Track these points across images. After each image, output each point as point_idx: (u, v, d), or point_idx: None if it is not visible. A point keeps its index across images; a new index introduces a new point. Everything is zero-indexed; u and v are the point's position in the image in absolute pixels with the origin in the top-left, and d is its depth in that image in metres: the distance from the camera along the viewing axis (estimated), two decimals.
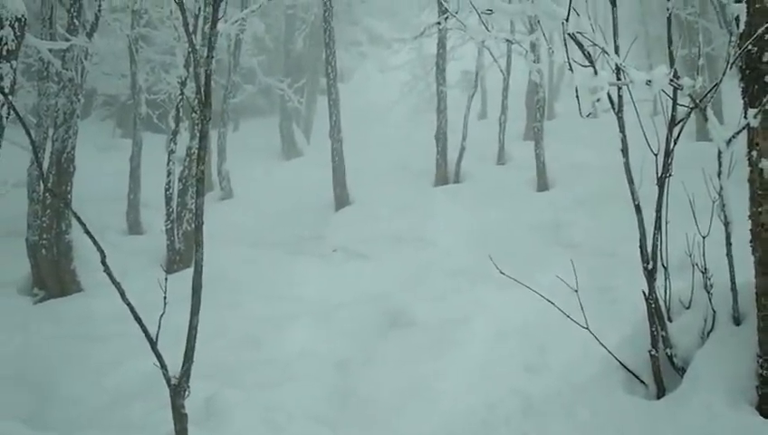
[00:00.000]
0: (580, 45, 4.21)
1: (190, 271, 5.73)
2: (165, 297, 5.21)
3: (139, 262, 13.61)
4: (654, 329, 5.52)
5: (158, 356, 5.20)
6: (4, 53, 6.29)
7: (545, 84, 22.65)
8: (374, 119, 30.26)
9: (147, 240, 16.15)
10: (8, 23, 6.32)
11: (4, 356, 9.70)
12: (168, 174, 14.42)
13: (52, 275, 12.70)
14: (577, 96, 3.66)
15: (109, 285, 5.35)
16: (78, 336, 10.29)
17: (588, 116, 3.68)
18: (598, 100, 3.66)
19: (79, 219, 5.25)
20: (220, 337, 9.45)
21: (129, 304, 5.18)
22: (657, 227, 5.39)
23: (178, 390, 5.29)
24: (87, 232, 5.17)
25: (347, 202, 17.70)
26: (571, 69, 3.77)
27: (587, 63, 4.09)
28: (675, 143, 5.13)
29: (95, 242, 5.20)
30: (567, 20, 3.88)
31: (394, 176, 20.22)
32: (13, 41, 6.36)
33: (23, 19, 6.47)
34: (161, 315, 5.15)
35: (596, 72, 3.77)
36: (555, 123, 25.15)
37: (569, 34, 3.92)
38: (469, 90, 21.50)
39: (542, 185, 17.92)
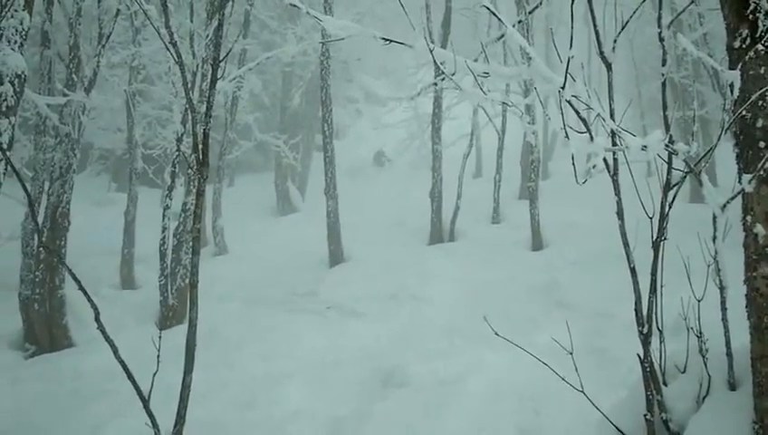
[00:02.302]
0: (577, 112, 4.25)
1: (183, 327, 5.70)
2: (158, 356, 5.18)
3: (132, 317, 13.56)
4: (649, 393, 5.48)
5: (151, 415, 5.15)
6: (4, 108, 6.32)
7: (540, 144, 22.82)
8: (368, 175, 30.39)
9: (140, 295, 16.09)
10: (8, 79, 6.36)
11: None
12: (163, 229, 14.41)
13: (45, 331, 12.63)
14: (573, 163, 3.68)
15: (101, 341, 5.32)
16: (69, 393, 10.21)
17: (584, 183, 3.69)
18: (594, 167, 3.69)
19: (74, 276, 5.23)
20: (214, 396, 9.37)
21: (122, 362, 5.14)
22: (653, 290, 5.38)
23: None
24: (81, 288, 5.15)
25: (341, 259, 17.71)
26: (567, 136, 3.79)
27: (583, 128, 4.12)
28: (670, 207, 5.15)
29: (89, 299, 5.18)
30: (563, 87, 3.92)
31: (389, 233, 20.28)
32: (12, 97, 6.40)
33: (23, 75, 6.51)
34: (154, 374, 5.12)
35: (592, 138, 3.80)
36: (550, 183, 25.30)
37: (566, 101, 3.96)
38: (464, 149, 21.65)
39: (537, 244, 17.95)
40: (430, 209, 19.73)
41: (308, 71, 27.73)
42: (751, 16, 4.54)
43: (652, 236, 5.26)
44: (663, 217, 5.12)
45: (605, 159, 4.52)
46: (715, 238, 5.14)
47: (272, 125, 29.56)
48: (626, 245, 5.29)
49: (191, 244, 5.61)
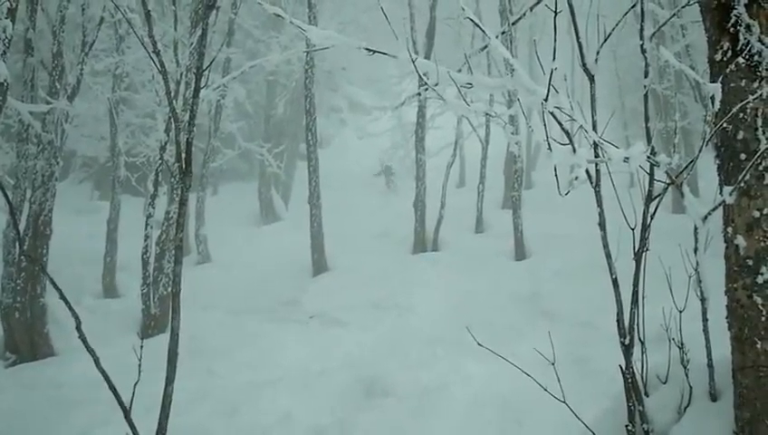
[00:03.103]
0: (560, 123, 4.26)
1: (165, 336, 5.67)
2: (140, 365, 5.15)
3: (114, 326, 13.50)
4: (631, 404, 5.49)
5: (132, 426, 5.11)
6: None
7: (523, 154, 22.88)
8: (352, 185, 30.41)
9: (122, 304, 16.02)
10: None
11: None
12: (146, 238, 14.35)
13: (26, 339, 12.54)
14: (555, 174, 3.70)
15: (82, 350, 5.28)
16: (50, 402, 10.15)
17: (566, 194, 3.70)
18: (576, 178, 3.70)
19: (55, 285, 5.20)
20: (196, 404, 9.34)
21: (103, 372, 5.11)
22: (635, 301, 5.40)
23: None
24: (63, 298, 5.12)
25: (325, 268, 17.69)
26: (549, 148, 3.81)
27: (566, 139, 4.14)
28: (651, 218, 5.17)
29: (70, 308, 5.14)
30: (546, 99, 3.93)
31: (372, 242, 20.29)
32: None
33: (5, 83, 6.49)
34: (135, 384, 5.09)
35: (575, 150, 3.81)
36: (533, 193, 25.39)
37: (549, 113, 3.97)
38: (448, 158, 21.70)
39: (520, 254, 18.01)
40: (414, 219, 19.74)
41: (292, 80, 27.72)
42: (732, 29, 4.58)
43: (634, 247, 5.29)
44: (645, 228, 5.15)
45: (587, 171, 4.54)
46: (696, 249, 5.17)
47: (256, 134, 29.55)
48: (608, 256, 5.31)
49: (174, 253, 5.59)
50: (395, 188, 30.61)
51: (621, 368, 5.49)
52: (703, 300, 5.33)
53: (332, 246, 18.00)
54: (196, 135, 5.49)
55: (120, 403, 5.12)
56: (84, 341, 5.09)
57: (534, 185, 28.96)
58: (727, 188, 4.63)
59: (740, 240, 4.67)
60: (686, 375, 5.55)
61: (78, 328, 5.10)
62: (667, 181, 4.95)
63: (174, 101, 6.08)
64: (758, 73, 4.54)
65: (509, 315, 13.11)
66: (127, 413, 5.12)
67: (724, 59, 4.63)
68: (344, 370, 10.79)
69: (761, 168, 4.54)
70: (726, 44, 4.59)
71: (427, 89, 4.45)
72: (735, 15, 4.55)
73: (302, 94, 19.87)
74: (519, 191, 18.79)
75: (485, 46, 8.63)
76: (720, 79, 4.63)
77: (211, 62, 5.46)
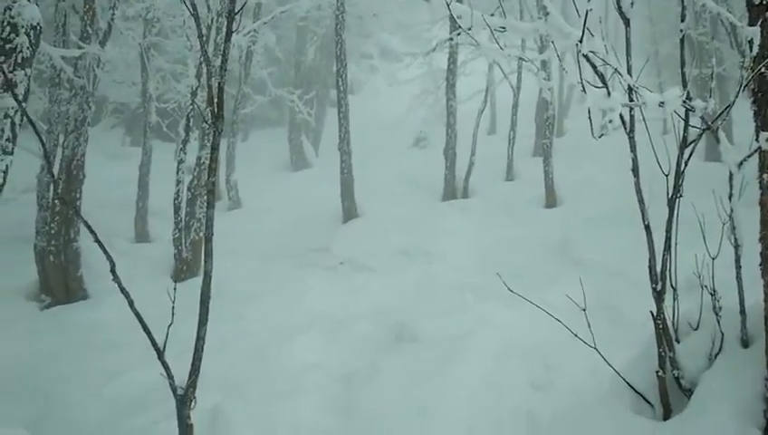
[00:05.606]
0: (594, 66, 4.21)
1: (197, 280, 5.72)
2: (173, 307, 5.21)
3: (146, 270, 13.62)
4: (661, 350, 5.50)
5: (166, 366, 5.19)
6: (20, 60, 6.32)
7: (555, 101, 22.63)
8: (383, 131, 30.32)
9: (154, 248, 16.16)
10: (24, 30, 6.34)
11: (9, 363, 9.69)
12: (178, 183, 14.43)
13: (60, 282, 12.72)
14: (589, 117, 3.67)
15: (115, 293, 5.35)
16: (83, 344, 10.31)
17: (600, 137, 3.67)
18: (610, 121, 3.66)
19: (89, 227, 5.26)
20: (226, 349, 9.44)
21: (137, 314, 5.18)
22: (667, 247, 5.37)
23: (185, 400, 5.27)
24: (97, 241, 5.18)
25: (355, 215, 17.69)
26: (584, 90, 3.77)
27: (599, 84, 4.10)
28: (686, 164, 5.13)
29: (105, 251, 5.20)
30: (581, 41, 3.88)
31: (402, 190, 20.25)
32: (28, 48, 6.38)
33: (38, 27, 6.49)
34: (169, 325, 5.15)
35: (609, 93, 3.77)
36: (564, 140, 25.13)
37: (583, 55, 3.92)
38: (479, 105, 21.53)
39: (551, 202, 17.91)
40: (444, 166, 19.66)
41: (322, 26, 27.54)
42: None
43: (667, 194, 5.25)
44: (679, 175, 5.11)
45: (621, 117, 4.49)
46: (731, 196, 5.13)
47: (286, 80, 29.41)
48: (641, 202, 5.28)
49: (206, 197, 5.62)
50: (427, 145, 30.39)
51: (652, 314, 5.49)
52: (736, 247, 5.30)
53: (362, 193, 17.98)
54: (227, 81, 5.46)
55: (154, 344, 5.20)
56: (119, 283, 5.15)
57: (566, 132, 28.65)
58: (764, 134, 4.58)
59: None
60: (718, 322, 5.54)
61: (112, 271, 5.17)
62: (703, 127, 4.90)
63: (205, 46, 6.06)
64: None
65: (539, 263, 13.08)
66: (161, 354, 5.19)
67: (764, 2, 4.54)
68: (373, 316, 10.84)
69: None
70: None
71: (460, 33, 4.40)
72: None
73: (333, 40, 19.76)
74: (550, 138, 18.62)
75: None
76: (759, 22, 4.55)
77: (243, 6, 5.43)
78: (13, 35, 6.32)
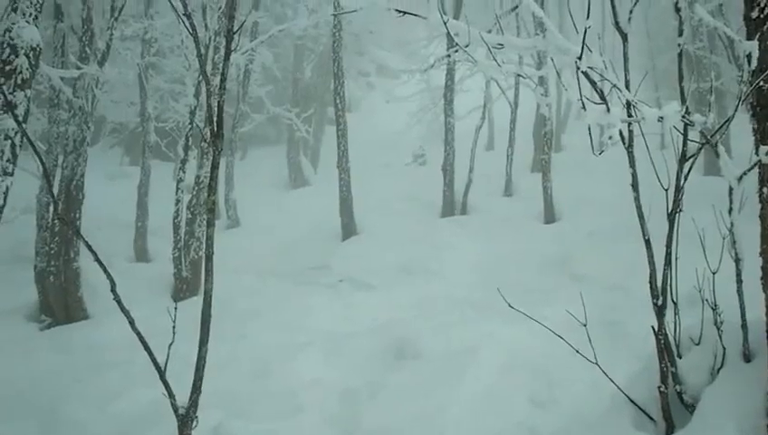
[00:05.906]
0: (593, 82, 4.23)
1: (197, 299, 5.71)
2: (174, 326, 5.20)
3: (146, 290, 13.63)
4: (663, 365, 5.49)
5: (167, 385, 5.17)
6: (19, 81, 6.34)
7: (553, 117, 22.69)
8: (381, 148, 30.37)
9: (154, 268, 16.17)
10: (23, 52, 6.37)
11: (11, 382, 9.66)
12: (177, 202, 14.46)
13: (60, 302, 12.72)
14: (589, 133, 3.68)
15: (115, 313, 5.34)
16: (84, 364, 10.28)
17: (600, 154, 3.68)
18: (610, 137, 3.67)
19: (90, 248, 5.25)
20: (228, 367, 9.42)
21: (138, 334, 5.17)
22: (667, 262, 5.37)
23: (186, 420, 5.25)
24: (97, 260, 5.17)
25: (354, 232, 17.71)
26: (584, 107, 3.78)
27: (598, 100, 4.11)
28: (685, 179, 5.13)
29: (105, 270, 5.19)
30: (580, 57, 3.90)
31: (401, 206, 20.26)
32: (27, 69, 6.41)
33: (38, 48, 6.52)
34: (170, 345, 5.14)
35: (608, 109, 3.79)
36: (563, 156, 25.20)
37: (582, 72, 3.94)
38: (477, 121, 21.58)
39: (550, 217, 17.93)
40: (442, 182, 19.69)
41: (320, 44, 27.68)
42: None
43: (667, 209, 5.25)
44: (678, 189, 5.11)
45: (620, 132, 4.51)
46: (730, 210, 5.13)
47: (284, 98, 29.52)
48: (640, 216, 5.29)
49: (205, 216, 5.62)
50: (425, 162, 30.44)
51: (653, 328, 5.48)
52: (737, 261, 5.30)
53: (361, 210, 18.01)
54: (226, 100, 5.47)
55: (155, 364, 5.18)
56: (119, 302, 5.14)
57: (564, 148, 28.72)
58: (763, 148, 4.59)
59: None
60: (720, 336, 5.53)
61: (113, 290, 5.16)
62: (702, 141, 4.91)
63: (204, 65, 6.08)
64: None
65: (539, 279, 13.08)
66: (162, 373, 5.17)
67: (761, 16, 4.56)
68: (374, 333, 10.81)
69: None
70: (764, 1, 4.52)
71: (457, 50, 4.42)
72: None
73: (330, 58, 19.83)
74: (549, 154, 18.67)
75: (516, 6, 8.56)
76: (757, 37, 4.57)
77: (241, 26, 5.46)
78: (13, 57, 6.35)
